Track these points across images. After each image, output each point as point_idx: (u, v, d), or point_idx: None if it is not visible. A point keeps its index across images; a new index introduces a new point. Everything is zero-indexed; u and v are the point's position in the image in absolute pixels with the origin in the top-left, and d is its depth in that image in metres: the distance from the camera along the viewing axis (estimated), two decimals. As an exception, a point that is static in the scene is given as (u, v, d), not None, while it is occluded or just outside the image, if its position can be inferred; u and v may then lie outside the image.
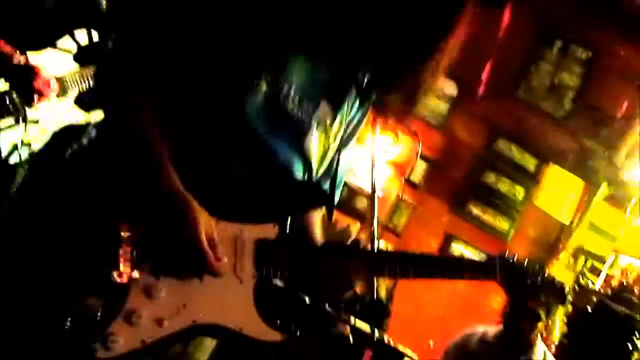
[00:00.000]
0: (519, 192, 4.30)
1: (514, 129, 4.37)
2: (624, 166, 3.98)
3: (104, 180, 1.04)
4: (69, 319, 0.95)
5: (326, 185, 1.26)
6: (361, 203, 4.13)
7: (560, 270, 4.00)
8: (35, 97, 1.96)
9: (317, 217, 1.25)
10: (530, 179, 4.29)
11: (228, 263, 1.04)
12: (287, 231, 1.12)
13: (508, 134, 4.36)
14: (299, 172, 1.19)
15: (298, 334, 1.09)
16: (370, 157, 4.05)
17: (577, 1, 4.16)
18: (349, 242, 1.44)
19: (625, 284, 3.39)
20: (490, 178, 4.35)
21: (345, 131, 1.26)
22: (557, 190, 4.03)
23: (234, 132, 1.12)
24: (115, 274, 0.98)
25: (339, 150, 1.26)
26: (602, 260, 3.85)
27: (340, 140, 1.26)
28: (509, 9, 4.11)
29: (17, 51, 1.94)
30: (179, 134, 1.07)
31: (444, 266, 1.17)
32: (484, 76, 4.36)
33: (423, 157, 4.28)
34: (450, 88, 4.30)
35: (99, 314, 0.96)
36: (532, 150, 4.34)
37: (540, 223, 4.22)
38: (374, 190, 2.69)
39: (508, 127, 4.37)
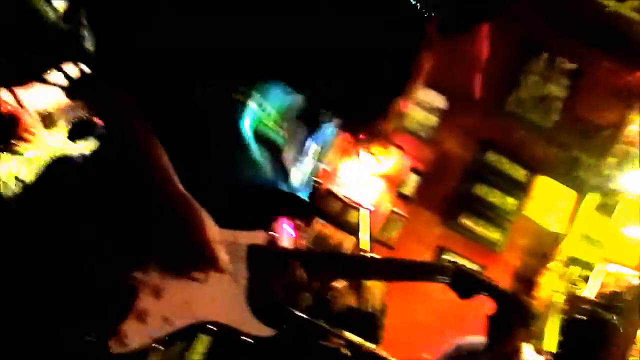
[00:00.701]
0: (510, 203, 4.34)
1: (503, 140, 4.41)
2: (613, 175, 4.03)
3: (105, 192, 1.10)
4: (85, 319, 1.04)
5: (304, 195, 1.35)
6: (353, 217, 4.15)
7: (553, 280, 4.02)
8: (20, 142, 1.98)
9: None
10: (520, 190, 4.33)
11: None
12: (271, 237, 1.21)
13: (498, 146, 4.41)
14: (281, 184, 1.28)
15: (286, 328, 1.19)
16: (361, 170, 4.10)
17: (560, 15, 4.23)
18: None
19: (616, 292, 3.42)
20: (481, 190, 4.39)
21: (317, 152, 1.38)
22: (548, 201, 4.07)
23: (228, 146, 1.18)
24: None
25: (313, 168, 1.38)
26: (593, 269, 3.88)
27: (314, 159, 1.38)
28: (491, 24, 4.17)
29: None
30: (173, 146, 1.12)
31: (401, 268, 1.30)
32: (473, 89, 4.41)
33: (414, 170, 4.33)
34: (438, 101, 4.36)
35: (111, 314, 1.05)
36: (522, 162, 4.38)
37: (532, 233, 4.25)
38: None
39: (497, 139, 4.42)
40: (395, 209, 4.31)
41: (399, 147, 3.71)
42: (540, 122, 4.42)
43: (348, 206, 4.22)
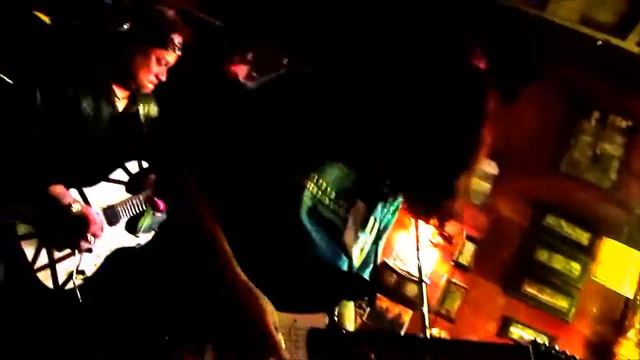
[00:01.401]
0: (575, 268, 4.13)
1: (560, 203, 4.27)
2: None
3: (165, 279, 1.11)
4: None
5: (365, 275, 1.34)
6: (410, 290, 4.02)
7: (630, 349, 3.74)
8: (90, 239, 2.05)
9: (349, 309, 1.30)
10: (585, 254, 4.13)
11: (286, 351, 1.09)
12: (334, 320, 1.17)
13: (555, 209, 4.26)
14: (341, 265, 1.26)
15: None
16: (415, 243, 4.01)
17: (610, 71, 4.18)
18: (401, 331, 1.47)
19: None
20: (543, 255, 4.21)
21: (378, 228, 1.36)
22: (616, 264, 3.85)
23: (287, 231, 1.18)
24: None
25: (375, 244, 1.35)
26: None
27: (376, 235, 1.35)
28: (539, 85, 4.15)
29: (74, 201, 2.06)
30: (235, 232, 1.12)
31: (475, 352, 1.19)
32: (524, 153, 4.34)
33: (470, 238, 4.21)
34: (490, 167, 4.29)
35: None
36: (583, 224, 4.20)
37: (602, 299, 4.01)
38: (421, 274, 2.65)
39: (554, 202, 4.28)
40: (453, 280, 4.17)
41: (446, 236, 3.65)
42: (597, 182, 4.28)
43: (404, 279, 4.11)
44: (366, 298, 1.29)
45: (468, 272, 4.18)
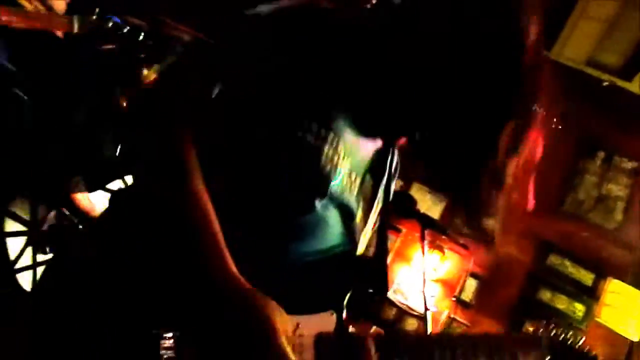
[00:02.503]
0: (579, 309, 4.06)
1: (564, 243, 4.23)
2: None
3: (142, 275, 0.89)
4: None
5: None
6: (410, 324, 3.95)
7: (636, 395, 3.65)
8: None
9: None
10: (589, 295, 4.07)
11: None
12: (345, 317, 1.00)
13: (559, 249, 4.22)
14: (346, 252, 1.08)
15: None
16: (418, 276, 3.96)
17: (615, 113, 4.19)
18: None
19: None
20: (546, 295, 4.15)
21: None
22: (621, 305, 3.79)
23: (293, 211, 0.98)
24: None
25: (381, 230, 1.17)
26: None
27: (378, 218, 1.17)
28: (546, 124, 4.17)
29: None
30: (229, 214, 0.90)
31: (489, 345, 1.09)
32: (528, 191, 4.32)
33: (473, 275, 4.16)
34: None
35: None
36: (587, 265, 4.15)
37: (606, 341, 3.92)
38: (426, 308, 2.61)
39: (558, 241, 4.24)
40: (454, 316, 4.10)
41: (465, 248, 3.57)
42: (602, 222, 4.24)
43: (404, 313, 4.04)
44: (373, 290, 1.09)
45: (470, 309, 4.12)
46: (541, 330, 1.13)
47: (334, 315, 0.99)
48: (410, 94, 0.95)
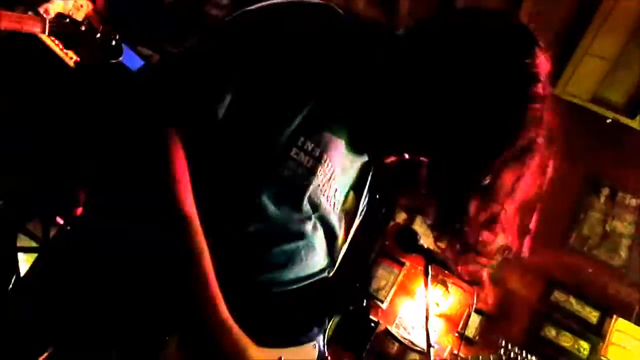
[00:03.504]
0: (584, 347, 4.00)
1: (569, 279, 4.19)
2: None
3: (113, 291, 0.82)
4: None
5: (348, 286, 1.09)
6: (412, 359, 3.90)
7: None
8: None
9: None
10: (594, 333, 4.01)
11: None
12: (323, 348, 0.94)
13: (564, 285, 4.18)
14: (326, 274, 1.03)
15: None
16: (421, 310, 3.92)
17: (619, 149, 4.20)
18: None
19: None
20: (551, 332, 4.09)
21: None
22: (627, 344, 3.73)
23: (278, 231, 0.92)
24: None
25: (366, 249, 1.13)
26: None
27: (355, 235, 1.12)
28: (551, 160, 4.18)
29: None
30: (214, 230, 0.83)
31: None
32: (532, 228, 4.30)
33: (476, 311, 4.11)
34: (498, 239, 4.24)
35: None
36: (593, 302, 4.10)
37: (612, 381, 3.86)
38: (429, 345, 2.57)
39: (563, 278, 4.20)
40: (457, 352, 4.04)
41: (468, 282, 3.55)
42: (607, 259, 4.21)
43: (406, 348, 3.99)
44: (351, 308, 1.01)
45: (473, 346, 4.06)
46: None
47: (316, 348, 0.95)
48: (411, 113, 0.92)
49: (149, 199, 0.82)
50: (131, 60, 3.05)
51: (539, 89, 0.91)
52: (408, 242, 2.57)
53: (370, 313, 4.08)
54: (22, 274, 1.99)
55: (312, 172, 0.92)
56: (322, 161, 0.93)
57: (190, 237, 0.80)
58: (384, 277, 4.19)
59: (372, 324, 4.04)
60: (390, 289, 4.15)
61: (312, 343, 0.95)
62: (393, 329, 4.04)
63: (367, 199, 1.11)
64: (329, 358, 0.99)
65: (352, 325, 3.80)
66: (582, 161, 4.28)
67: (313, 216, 0.97)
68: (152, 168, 0.82)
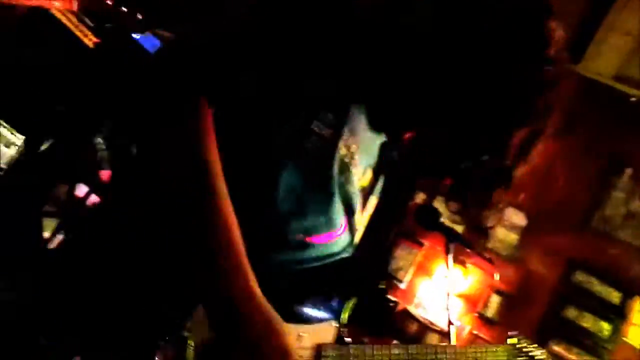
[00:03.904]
0: (605, 328, 3.97)
1: (591, 260, 4.15)
2: None
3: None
4: None
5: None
6: (431, 339, 3.90)
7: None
8: None
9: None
10: (616, 314, 3.97)
11: None
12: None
13: (586, 266, 4.14)
14: (345, 251, 1.03)
15: None
16: (440, 290, 3.92)
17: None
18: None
19: None
20: (572, 313, 4.06)
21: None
22: (650, 325, 3.70)
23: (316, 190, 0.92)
24: None
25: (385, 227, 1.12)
26: None
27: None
28: (574, 141, 4.13)
29: None
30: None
31: None
32: (555, 207, 4.26)
33: (497, 291, 4.10)
34: (517, 218, 4.21)
35: None
36: (615, 283, 4.06)
37: (634, 362, 3.83)
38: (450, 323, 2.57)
39: (585, 258, 4.16)
40: (477, 332, 4.04)
41: (488, 259, 3.52)
42: (630, 239, 4.15)
43: (426, 328, 3.99)
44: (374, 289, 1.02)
45: (493, 326, 4.05)
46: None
47: (334, 325, 0.96)
48: (429, 88, 0.90)
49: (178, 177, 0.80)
50: (148, 41, 3.05)
51: (552, 51, 0.90)
52: (429, 220, 2.57)
53: (389, 293, 4.09)
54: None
55: (334, 146, 0.92)
56: (344, 135, 0.93)
57: (224, 218, 0.79)
58: (403, 257, 4.18)
59: (391, 304, 4.04)
60: (409, 269, 4.15)
61: (330, 321, 0.96)
62: (412, 309, 4.04)
63: (384, 178, 1.11)
64: (349, 338, 0.98)
65: (371, 305, 3.82)
66: (605, 140, 4.21)
67: (335, 192, 0.96)
68: (181, 129, 0.80)
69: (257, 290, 0.79)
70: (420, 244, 4.18)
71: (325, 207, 0.95)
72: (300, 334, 0.90)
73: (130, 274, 0.84)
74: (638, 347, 3.64)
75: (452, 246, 2.67)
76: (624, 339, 3.76)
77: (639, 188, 4.26)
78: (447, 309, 2.56)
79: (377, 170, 1.09)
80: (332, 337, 0.95)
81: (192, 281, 0.79)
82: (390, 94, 0.93)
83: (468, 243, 3.01)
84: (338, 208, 0.98)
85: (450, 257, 2.64)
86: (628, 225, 4.20)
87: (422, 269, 4.15)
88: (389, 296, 4.02)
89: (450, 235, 2.67)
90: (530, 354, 1.23)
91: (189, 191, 0.79)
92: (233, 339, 0.77)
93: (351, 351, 0.95)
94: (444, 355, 1.05)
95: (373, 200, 1.13)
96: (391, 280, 4.12)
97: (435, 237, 3.96)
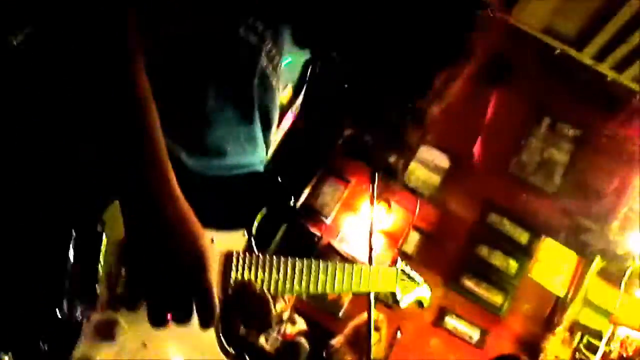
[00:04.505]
0: (512, 265, 4.27)
1: (505, 203, 4.40)
2: (617, 240, 3.99)
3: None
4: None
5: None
6: (353, 272, 4.07)
7: (557, 346, 3.90)
8: None
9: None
10: (523, 253, 4.28)
11: None
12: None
13: (500, 208, 4.39)
14: (259, 163, 1.02)
15: None
16: (363, 226, 4.05)
17: (565, 81, 4.32)
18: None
19: (625, 356, 3.30)
20: (483, 251, 4.33)
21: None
22: (552, 263, 4.01)
23: (233, 99, 0.91)
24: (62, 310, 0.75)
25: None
26: (598, 336, 3.77)
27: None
28: (499, 87, 4.27)
29: None
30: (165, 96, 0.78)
31: None
32: (475, 150, 4.45)
33: (416, 228, 4.28)
34: (441, 160, 4.37)
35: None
36: (525, 225, 4.35)
37: (535, 297, 4.16)
38: (370, 258, 2.67)
39: (500, 201, 4.40)
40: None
41: (412, 192, 3.65)
42: (542, 186, 4.43)
43: (349, 262, 4.14)
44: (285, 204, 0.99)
45: (411, 261, 4.25)
46: None
47: (246, 236, 0.94)
48: (356, 13, 0.92)
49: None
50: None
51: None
52: (356, 150, 2.62)
53: (312, 227, 4.19)
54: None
55: (258, 53, 0.91)
56: (269, 44, 0.93)
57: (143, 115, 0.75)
58: (329, 193, 4.27)
59: (315, 238, 4.15)
60: (335, 205, 4.25)
61: (241, 230, 0.93)
62: (336, 244, 4.17)
63: (303, 98, 1.10)
64: (256, 249, 0.96)
65: (294, 238, 3.90)
66: (527, 89, 4.39)
67: (255, 103, 0.96)
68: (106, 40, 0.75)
69: (176, 188, 0.76)
70: (347, 181, 4.28)
71: (244, 115, 0.96)
72: (213, 238, 0.88)
73: (43, 153, 0.79)
74: (540, 282, 3.94)
75: (377, 177, 2.73)
76: (529, 275, 4.06)
77: (555, 137, 4.50)
78: (370, 245, 2.65)
79: (298, 88, 1.09)
80: (242, 246, 0.93)
81: (109, 170, 0.75)
82: (320, 9, 0.93)
83: (394, 173, 3.08)
84: (256, 118, 0.98)
85: (375, 185, 2.70)
86: (541, 172, 4.46)
87: (348, 206, 4.26)
88: (312, 230, 4.12)
89: (376, 166, 2.72)
90: (410, 275, 1.38)
91: (105, 60, 0.74)
92: (145, 235, 0.74)
93: (259, 260, 0.94)
94: (342, 272, 1.09)
95: (289, 118, 1.14)
96: (317, 214, 4.21)
97: (361, 175, 4.07)
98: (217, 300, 0.76)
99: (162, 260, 0.74)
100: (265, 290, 0.92)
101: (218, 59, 0.88)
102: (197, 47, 0.87)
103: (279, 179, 1.00)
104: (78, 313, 0.76)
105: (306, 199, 4.16)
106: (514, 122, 4.47)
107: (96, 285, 0.78)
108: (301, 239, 4.04)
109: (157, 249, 0.74)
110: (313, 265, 1.02)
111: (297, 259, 0.99)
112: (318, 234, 4.19)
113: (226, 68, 0.90)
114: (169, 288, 0.75)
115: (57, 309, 0.74)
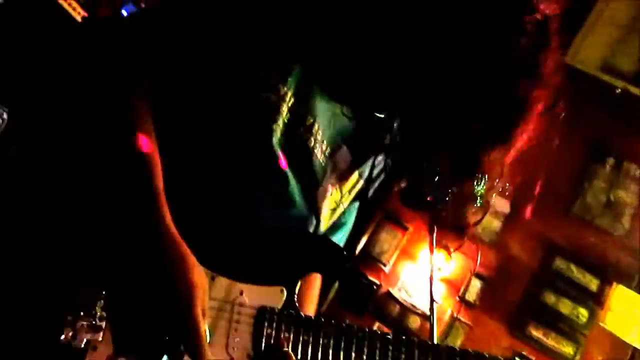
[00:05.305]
0: (582, 313, 4.06)
1: (571, 247, 4.22)
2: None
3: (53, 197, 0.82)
4: None
5: (339, 239, 1.06)
6: (413, 322, 3.96)
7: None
8: None
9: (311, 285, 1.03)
10: (593, 300, 4.06)
11: (221, 335, 0.81)
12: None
13: (565, 253, 4.21)
14: (308, 225, 0.99)
15: None
16: (423, 274, 3.97)
17: (627, 119, 4.18)
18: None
19: None
20: (550, 299, 4.15)
21: (362, 188, 1.08)
22: (626, 311, 3.78)
23: (252, 158, 0.90)
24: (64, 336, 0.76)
25: (354, 207, 1.07)
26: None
27: (356, 196, 1.07)
28: (559, 126, 4.17)
29: None
30: (180, 153, 0.84)
31: None
32: (536, 194, 4.32)
33: (478, 275, 4.16)
34: (501, 205, 4.26)
35: None
36: (593, 270, 4.15)
37: (608, 347, 3.92)
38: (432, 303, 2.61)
39: (565, 245, 4.23)
40: (458, 316, 4.11)
41: (472, 248, 3.57)
42: (609, 228, 4.23)
43: (408, 310, 4.05)
44: (335, 270, 0.96)
45: (473, 310, 4.12)
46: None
47: (284, 293, 0.89)
48: (397, 69, 0.89)
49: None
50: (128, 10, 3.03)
51: (537, 16, 0.94)
52: (415, 200, 2.58)
53: (369, 275, 4.13)
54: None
55: (276, 109, 0.91)
56: (291, 101, 0.92)
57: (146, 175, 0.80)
58: (387, 240, 4.22)
59: (374, 286, 4.09)
60: (394, 253, 4.19)
61: (279, 287, 0.90)
62: (395, 292, 4.09)
63: (372, 160, 1.08)
64: (298, 312, 0.91)
65: (353, 286, 3.85)
66: (589, 129, 4.26)
67: (278, 165, 0.94)
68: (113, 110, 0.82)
69: (169, 219, 0.78)
70: (405, 228, 4.22)
71: (283, 177, 0.95)
72: (243, 290, 0.86)
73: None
74: (614, 332, 3.72)
75: (436, 227, 2.69)
76: (601, 324, 3.84)
77: (621, 178, 4.33)
78: (430, 293, 2.59)
79: (357, 154, 1.06)
80: (279, 302, 0.89)
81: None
82: (355, 67, 0.92)
83: (452, 225, 3.03)
84: (294, 180, 0.96)
85: (434, 235, 2.66)
86: (608, 213, 4.27)
87: (406, 253, 4.20)
88: (370, 278, 4.06)
89: (434, 214, 2.68)
90: None
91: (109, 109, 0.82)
92: (133, 260, 0.76)
93: (291, 316, 0.89)
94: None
95: (356, 183, 1.09)
96: (375, 262, 4.16)
97: (419, 222, 4.01)
98: (204, 339, 0.75)
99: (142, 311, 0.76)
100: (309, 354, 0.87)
101: (233, 119, 0.89)
102: (222, 112, 0.89)
103: (329, 243, 0.98)
104: (82, 340, 0.76)
105: (364, 245, 4.13)
106: (575, 164, 4.33)
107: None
108: (359, 287, 3.99)
109: (147, 278, 0.76)
110: (379, 341, 0.94)
111: (355, 326, 0.93)
112: (377, 282, 4.14)
113: (241, 127, 0.90)
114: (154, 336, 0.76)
115: (58, 334, 0.76)
